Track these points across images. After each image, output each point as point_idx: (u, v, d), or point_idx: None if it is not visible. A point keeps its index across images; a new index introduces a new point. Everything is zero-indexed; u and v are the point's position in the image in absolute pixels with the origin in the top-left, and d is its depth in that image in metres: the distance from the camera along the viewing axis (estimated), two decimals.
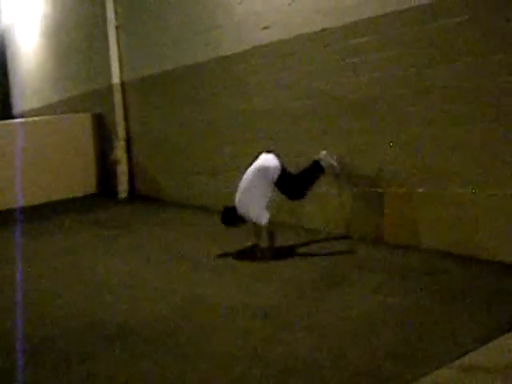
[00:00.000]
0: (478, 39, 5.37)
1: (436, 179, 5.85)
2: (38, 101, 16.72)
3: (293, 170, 6.44)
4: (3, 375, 3.97)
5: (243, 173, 6.52)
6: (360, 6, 6.35)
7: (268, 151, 6.44)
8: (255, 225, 6.28)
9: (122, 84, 11.60)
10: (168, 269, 6.22)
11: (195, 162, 9.68)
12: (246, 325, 4.48)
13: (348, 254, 6.15)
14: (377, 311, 4.50)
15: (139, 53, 10.98)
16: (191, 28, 9.23)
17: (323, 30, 6.81)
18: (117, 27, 11.45)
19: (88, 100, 13.07)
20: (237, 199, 6.21)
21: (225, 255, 6.43)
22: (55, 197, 11.62)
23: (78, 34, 13.29)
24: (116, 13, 11.40)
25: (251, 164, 6.42)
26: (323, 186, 6.91)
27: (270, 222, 6.13)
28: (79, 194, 12.07)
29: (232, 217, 6.25)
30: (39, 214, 10.27)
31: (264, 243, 6.34)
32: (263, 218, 6.09)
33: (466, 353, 3.63)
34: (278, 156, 6.33)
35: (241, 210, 6.15)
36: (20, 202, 10.74)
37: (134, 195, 11.60)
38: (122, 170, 11.61)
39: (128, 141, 11.68)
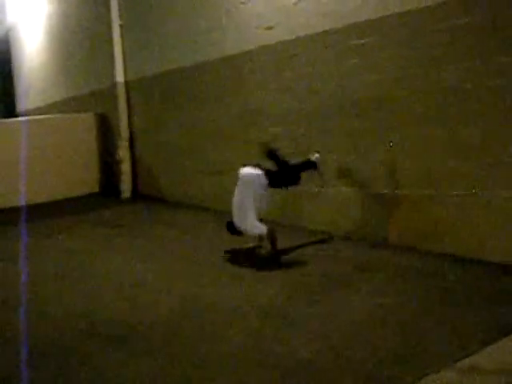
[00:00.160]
0: (481, 41, 5.37)
1: (438, 181, 5.85)
2: (41, 100, 16.75)
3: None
4: (5, 375, 3.97)
5: None
6: (363, 8, 6.35)
7: (244, 165, 6.40)
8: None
9: (126, 83, 11.61)
10: (170, 269, 6.22)
11: (198, 161, 9.68)
12: (248, 325, 4.48)
13: (350, 256, 6.14)
14: (378, 313, 4.49)
15: (143, 52, 10.98)
16: (195, 28, 9.23)
17: (326, 31, 6.81)
18: (121, 26, 11.46)
19: (91, 99, 13.08)
20: (234, 216, 6.20)
21: (227, 256, 6.43)
22: (58, 196, 11.61)
23: (81, 33, 13.31)
24: (120, 12, 11.41)
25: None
26: (327, 188, 6.94)
27: (269, 229, 6.10)
28: (82, 193, 12.07)
29: (235, 229, 6.27)
30: (42, 213, 10.25)
31: (267, 248, 6.32)
32: (260, 228, 6.05)
33: (467, 354, 3.63)
34: (257, 165, 6.30)
35: (238, 225, 6.15)
36: (23, 200, 10.73)
37: (137, 195, 11.61)
38: (125, 169, 11.63)
39: (131, 140, 11.69)
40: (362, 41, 6.45)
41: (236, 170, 6.54)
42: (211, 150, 9.30)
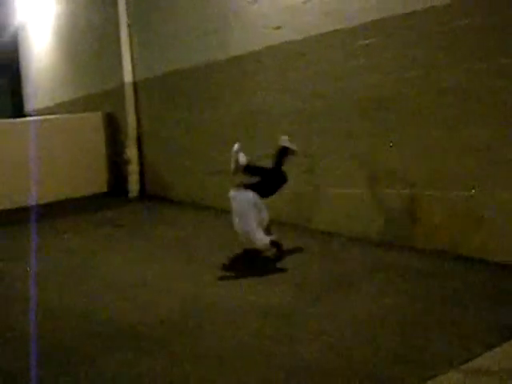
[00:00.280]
0: (482, 42, 5.37)
1: (443, 181, 5.85)
2: (49, 99, 16.78)
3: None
4: (9, 374, 3.99)
5: None
6: (370, 8, 6.35)
7: (234, 187, 6.27)
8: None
9: (134, 83, 11.64)
10: (172, 269, 6.23)
11: (206, 161, 9.69)
12: (249, 325, 4.49)
13: (354, 256, 6.14)
14: (383, 314, 4.49)
15: (151, 52, 11.00)
16: (203, 28, 9.24)
17: (334, 31, 6.81)
18: (129, 26, 11.48)
19: (99, 99, 13.11)
20: (244, 240, 6.14)
21: (234, 256, 6.42)
22: (66, 195, 11.64)
23: (90, 33, 13.34)
24: (128, 12, 11.43)
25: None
26: (339, 188, 6.94)
27: (272, 240, 6.04)
28: (90, 193, 12.10)
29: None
30: (49, 213, 10.29)
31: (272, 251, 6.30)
32: (263, 239, 5.98)
33: (472, 356, 3.62)
34: (242, 185, 6.22)
35: (243, 240, 6.11)
36: (31, 200, 10.77)
37: (145, 194, 11.63)
38: (133, 169, 11.64)
39: (139, 140, 11.71)
40: (368, 41, 6.46)
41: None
42: (217, 150, 9.29)
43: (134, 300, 5.30)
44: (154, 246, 7.36)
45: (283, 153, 6.40)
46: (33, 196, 10.79)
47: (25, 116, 17.89)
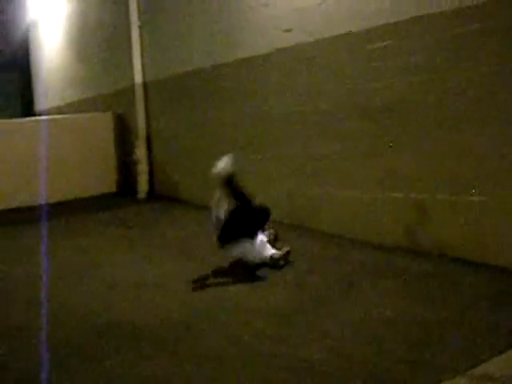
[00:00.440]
0: (495, 46, 5.37)
1: (449, 184, 5.86)
2: (60, 99, 16.86)
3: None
4: (18, 372, 4.01)
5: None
6: (383, 11, 6.35)
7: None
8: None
9: (144, 84, 11.67)
10: (182, 270, 6.23)
11: (214, 162, 9.68)
12: (255, 326, 4.50)
13: (360, 259, 6.14)
14: (389, 317, 4.49)
15: (161, 53, 11.03)
16: (214, 29, 9.26)
17: (346, 34, 6.80)
18: (140, 27, 11.52)
19: (109, 99, 13.16)
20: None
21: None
22: (75, 195, 11.67)
23: (100, 33, 13.39)
24: (139, 13, 11.47)
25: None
26: (344, 191, 6.94)
27: (276, 255, 5.96)
28: (99, 193, 12.13)
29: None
30: (58, 212, 10.31)
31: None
32: (270, 252, 5.95)
33: (479, 361, 3.62)
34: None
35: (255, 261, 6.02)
36: (40, 199, 10.81)
37: (154, 195, 11.66)
38: (142, 169, 11.67)
39: (148, 140, 11.74)
40: (378, 45, 6.45)
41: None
42: (227, 151, 9.27)
43: (139, 300, 5.31)
44: (161, 246, 7.37)
45: (230, 181, 6.04)
46: (42, 195, 10.82)
47: (35, 115, 17.96)
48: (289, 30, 7.67)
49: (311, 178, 7.56)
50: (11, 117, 16.38)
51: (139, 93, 11.67)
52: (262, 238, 6.02)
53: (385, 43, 6.39)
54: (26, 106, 20.96)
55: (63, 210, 10.66)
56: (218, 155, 9.42)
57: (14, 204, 10.78)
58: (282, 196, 8.06)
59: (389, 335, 4.14)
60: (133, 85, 11.72)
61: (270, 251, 5.96)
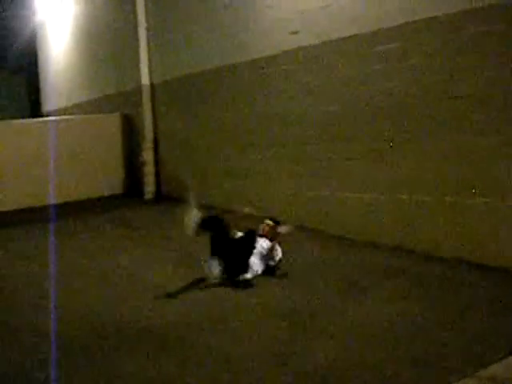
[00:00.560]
0: (503, 49, 5.38)
1: (459, 187, 5.86)
2: (67, 100, 16.88)
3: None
4: (26, 371, 4.02)
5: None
6: (389, 13, 6.36)
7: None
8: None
9: (151, 85, 11.70)
10: (185, 271, 6.21)
11: (222, 164, 9.72)
12: (266, 328, 4.51)
13: (371, 262, 6.14)
14: (397, 319, 4.49)
15: (169, 55, 11.06)
16: (221, 31, 9.29)
17: (351, 36, 6.82)
18: (147, 29, 11.55)
19: (117, 101, 13.18)
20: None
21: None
22: (83, 196, 11.72)
23: (108, 35, 13.42)
24: (146, 15, 11.50)
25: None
26: (354, 193, 6.97)
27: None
28: (106, 194, 12.17)
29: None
30: (66, 213, 10.32)
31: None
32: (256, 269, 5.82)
33: (487, 363, 3.62)
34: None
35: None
36: (48, 200, 10.84)
37: (161, 196, 11.68)
38: (149, 170, 11.70)
39: (156, 142, 11.77)
40: (386, 47, 6.46)
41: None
42: (234, 153, 9.34)
43: (141, 301, 5.30)
44: (165, 247, 7.38)
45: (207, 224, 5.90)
46: (50, 196, 10.86)
47: (42, 116, 18.01)
48: (295, 32, 7.68)
49: (314, 179, 7.60)
50: (19, 117, 16.44)
51: (146, 94, 11.71)
52: (259, 248, 5.86)
53: (390, 45, 6.41)
54: (33, 106, 21.01)
55: (70, 210, 10.69)
56: (225, 156, 9.53)
57: (23, 204, 10.82)
58: (284, 196, 8.09)
59: (400, 338, 4.15)
60: (140, 86, 11.75)
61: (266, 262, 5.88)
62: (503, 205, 5.44)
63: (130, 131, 12.56)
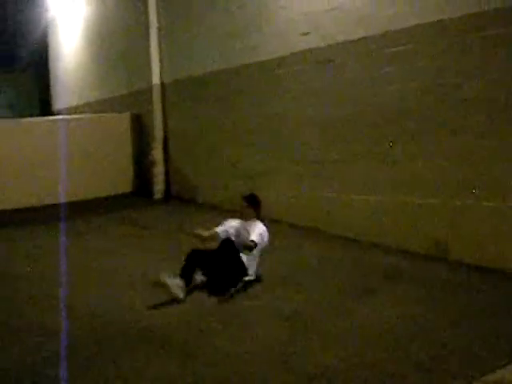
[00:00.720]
0: (509, 51, 5.39)
1: (466, 190, 5.88)
2: (77, 99, 16.91)
3: None
4: (29, 369, 4.06)
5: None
6: (399, 16, 6.37)
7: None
8: None
9: (162, 85, 11.72)
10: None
11: (231, 164, 9.73)
12: (270, 330, 4.53)
13: (378, 263, 6.16)
14: (404, 322, 4.51)
15: (179, 55, 11.09)
16: (232, 32, 9.31)
17: (362, 38, 6.83)
18: (158, 29, 11.58)
19: (127, 100, 13.19)
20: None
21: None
22: (92, 194, 11.68)
23: (119, 34, 13.44)
24: (158, 15, 11.52)
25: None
26: (359, 195, 6.98)
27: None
28: (116, 193, 12.15)
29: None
30: (75, 212, 10.29)
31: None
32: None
33: (494, 368, 3.63)
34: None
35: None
36: (57, 198, 10.84)
37: (170, 196, 11.69)
38: (159, 170, 11.73)
39: (165, 141, 11.80)
40: (395, 49, 6.48)
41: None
42: (244, 154, 9.35)
43: (146, 301, 5.26)
44: (172, 247, 7.36)
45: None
46: (59, 194, 10.86)
47: (52, 115, 18.04)
48: (306, 34, 7.69)
49: (326, 182, 7.60)
50: (29, 115, 16.48)
51: (156, 94, 11.73)
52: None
53: (400, 47, 6.41)
54: (43, 105, 21.03)
55: (79, 209, 10.68)
56: (234, 157, 9.54)
57: (31, 203, 10.83)
58: (295, 198, 8.10)
59: (406, 341, 4.16)
60: (150, 86, 11.78)
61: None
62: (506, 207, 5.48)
63: (140, 131, 12.57)
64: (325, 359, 3.92)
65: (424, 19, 6.10)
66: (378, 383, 3.59)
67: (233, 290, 5.41)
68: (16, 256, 7.47)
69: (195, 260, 5.51)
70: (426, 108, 6.20)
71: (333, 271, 5.99)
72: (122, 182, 12.40)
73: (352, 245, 6.93)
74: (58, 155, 11.15)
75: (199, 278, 5.60)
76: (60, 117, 14.11)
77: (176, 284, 5.27)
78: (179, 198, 11.35)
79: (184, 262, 5.48)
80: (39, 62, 20.61)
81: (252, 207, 5.99)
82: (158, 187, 11.71)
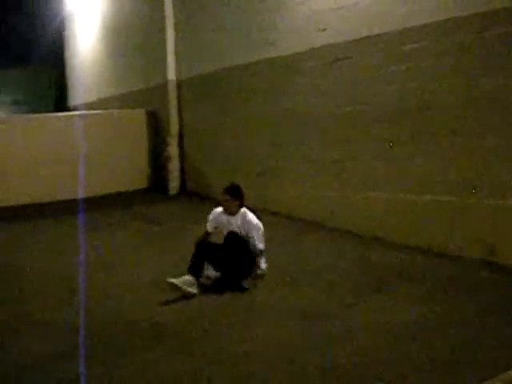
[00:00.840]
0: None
1: (475, 188, 5.88)
2: (93, 95, 16.96)
3: None
4: (47, 364, 4.08)
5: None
6: (417, 12, 6.35)
7: None
8: None
9: (178, 81, 11.74)
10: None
11: (245, 161, 9.73)
12: (280, 327, 4.53)
13: (389, 261, 6.14)
14: (419, 320, 4.50)
15: (195, 51, 11.10)
16: (248, 28, 9.31)
17: (378, 35, 6.81)
18: (175, 25, 11.59)
19: (142, 96, 13.22)
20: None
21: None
22: (107, 190, 11.71)
23: (135, 30, 13.47)
24: (174, 11, 11.55)
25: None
26: (367, 192, 6.96)
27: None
28: (131, 189, 12.14)
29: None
30: (91, 207, 10.32)
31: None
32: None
33: (507, 366, 3.60)
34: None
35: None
36: (73, 194, 10.88)
37: (185, 192, 11.72)
38: (174, 166, 11.76)
39: (180, 138, 11.81)
40: (410, 47, 6.45)
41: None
42: (258, 150, 9.35)
43: (156, 300, 5.26)
44: (184, 244, 7.34)
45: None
46: (75, 190, 10.90)
47: (68, 110, 18.11)
48: (323, 30, 7.66)
49: (334, 179, 7.63)
50: (45, 111, 16.55)
51: (172, 90, 11.76)
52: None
53: (416, 46, 6.39)
54: (59, 100, 21.09)
55: (95, 204, 10.70)
56: (250, 153, 9.54)
57: (47, 199, 10.88)
58: (305, 195, 8.10)
59: (421, 339, 4.15)
60: (166, 82, 11.81)
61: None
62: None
63: (156, 126, 12.59)
64: (334, 357, 3.91)
65: (442, 16, 6.08)
66: (386, 381, 3.56)
67: (248, 279, 5.43)
68: (33, 250, 7.52)
69: (204, 254, 5.49)
70: (438, 107, 6.21)
71: (349, 269, 5.99)
72: (137, 178, 12.41)
73: (359, 241, 6.97)
74: (75, 151, 11.19)
75: (212, 273, 5.58)
76: (76, 112, 14.16)
77: (188, 281, 5.27)
78: (194, 194, 11.36)
79: (193, 257, 5.45)
80: (55, 57, 20.66)
81: (236, 199, 5.82)
82: (174, 183, 11.75)
